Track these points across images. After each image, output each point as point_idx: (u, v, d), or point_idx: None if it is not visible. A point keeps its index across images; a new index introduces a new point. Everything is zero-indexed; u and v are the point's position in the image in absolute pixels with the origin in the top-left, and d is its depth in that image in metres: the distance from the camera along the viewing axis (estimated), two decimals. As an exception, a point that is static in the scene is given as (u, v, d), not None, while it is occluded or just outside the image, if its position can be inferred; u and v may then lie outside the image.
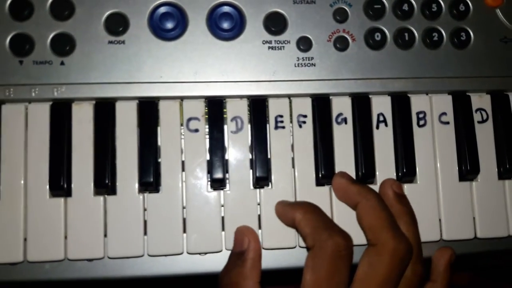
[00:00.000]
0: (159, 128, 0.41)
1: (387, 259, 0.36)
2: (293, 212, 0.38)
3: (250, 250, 0.38)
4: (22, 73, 0.40)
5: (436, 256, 0.42)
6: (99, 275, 0.40)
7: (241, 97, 0.42)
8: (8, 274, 0.40)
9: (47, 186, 0.39)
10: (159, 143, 0.41)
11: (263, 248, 0.40)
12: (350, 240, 0.37)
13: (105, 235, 0.40)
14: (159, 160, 0.41)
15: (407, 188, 0.42)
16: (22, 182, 0.39)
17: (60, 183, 0.39)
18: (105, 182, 0.40)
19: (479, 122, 0.44)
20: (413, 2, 0.44)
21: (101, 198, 0.40)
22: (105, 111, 0.41)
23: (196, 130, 0.41)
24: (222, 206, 0.41)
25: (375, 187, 0.42)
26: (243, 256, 0.38)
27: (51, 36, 0.40)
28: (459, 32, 0.44)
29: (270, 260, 0.41)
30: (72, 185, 0.40)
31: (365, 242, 0.41)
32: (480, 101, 0.45)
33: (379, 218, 0.38)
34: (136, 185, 0.40)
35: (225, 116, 0.42)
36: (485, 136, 0.44)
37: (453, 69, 0.44)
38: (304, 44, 0.43)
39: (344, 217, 0.41)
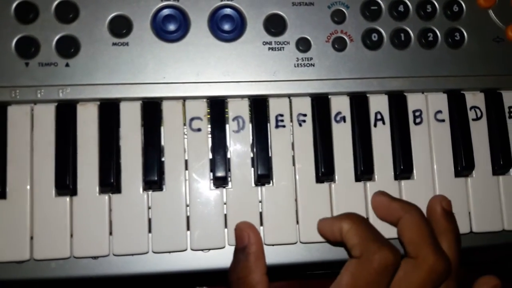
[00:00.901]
0: (162, 128, 0.42)
1: (424, 273, 0.36)
2: (339, 223, 0.38)
3: (251, 244, 0.38)
4: (28, 75, 0.40)
5: (480, 282, 0.41)
6: (104, 272, 0.40)
7: (242, 97, 0.43)
8: (15, 272, 0.40)
9: (53, 185, 0.40)
10: (162, 143, 0.42)
11: (265, 244, 0.41)
12: (399, 255, 0.37)
13: (110, 233, 0.40)
14: (163, 159, 0.41)
15: (404, 184, 0.43)
16: (28, 181, 0.40)
17: (66, 182, 0.40)
18: (110, 181, 0.40)
19: (473, 119, 0.45)
20: (409, 3, 0.45)
21: (106, 196, 0.40)
22: (109, 111, 0.41)
23: (199, 130, 0.42)
24: (225, 203, 0.41)
25: (373, 184, 0.43)
26: (246, 251, 0.38)
27: (56, 38, 0.41)
28: (453, 32, 0.45)
29: (271, 256, 0.41)
30: (78, 184, 0.40)
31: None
32: (474, 99, 0.45)
33: (421, 233, 0.38)
34: (141, 184, 0.41)
35: (226, 115, 0.43)
36: (479, 133, 0.45)
37: (448, 68, 0.45)
38: (303, 44, 0.43)
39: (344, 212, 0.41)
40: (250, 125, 0.43)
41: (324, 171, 0.42)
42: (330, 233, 0.39)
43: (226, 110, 0.43)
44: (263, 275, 0.38)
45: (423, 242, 0.37)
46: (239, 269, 0.38)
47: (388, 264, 0.36)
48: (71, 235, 0.40)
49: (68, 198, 0.40)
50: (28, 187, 0.40)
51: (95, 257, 0.40)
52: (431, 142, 0.44)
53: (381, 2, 0.44)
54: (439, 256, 0.37)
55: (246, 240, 0.39)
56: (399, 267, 0.37)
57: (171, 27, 0.42)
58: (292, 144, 0.43)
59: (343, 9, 0.44)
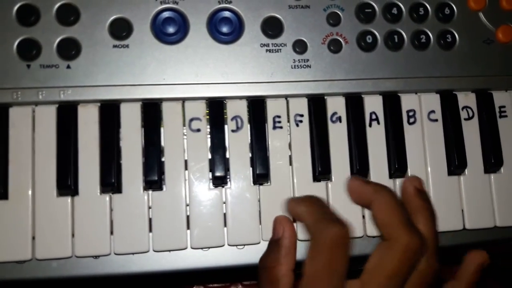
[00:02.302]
0: (162, 129, 0.42)
1: (398, 253, 0.36)
2: (298, 207, 0.39)
3: (284, 238, 0.39)
4: (30, 76, 0.41)
5: (470, 256, 0.41)
6: (105, 271, 0.41)
7: (240, 97, 0.43)
8: (16, 272, 0.40)
9: (55, 186, 0.40)
10: (162, 143, 0.42)
11: (262, 240, 0.41)
12: (347, 228, 0.36)
13: (111, 233, 0.40)
14: (163, 159, 0.42)
15: (399, 182, 0.44)
16: (30, 182, 0.40)
17: (67, 182, 0.40)
18: (111, 181, 0.40)
19: (465, 119, 0.46)
20: (402, 6, 0.45)
21: (107, 196, 0.40)
22: (110, 112, 0.42)
23: (198, 130, 0.42)
24: (224, 203, 0.42)
25: (369, 182, 0.44)
26: (278, 243, 0.39)
27: (57, 40, 0.41)
28: (445, 34, 0.46)
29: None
30: (79, 184, 0.40)
31: (359, 235, 0.42)
32: (466, 99, 0.46)
33: (393, 214, 0.38)
34: (141, 184, 0.41)
35: (225, 116, 0.43)
36: (471, 133, 0.45)
37: (440, 69, 0.45)
38: (300, 46, 0.44)
39: (340, 211, 0.42)
40: (249, 125, 0.43)
41: (321, 170, 0.43)
42: (294, 216, 0.41)
43: (225, 111, 0.43)
44: (290, 270, 0.38)
45: (394, 223, 0.37)
46: (269, 259, 0.39)
47: (336, 238, 0.35)
48: (73, 235, 0.40)
49: (69, 198, 0.40)
50: (30, 187, 0.40)
51: (96, 257, 0.40)
52: (424, 141, 0.45)
53: (375, 5, 0.45)
54: (412, 233, 0.36)
55: (280, 232, 0.39)
56: (375, 253, 0.37)
57: (171, 29, 0.42)
58: (289, 144, 0.43)
59: (338, 12, 0.45)
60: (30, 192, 0.40)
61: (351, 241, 0.37)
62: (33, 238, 0.39)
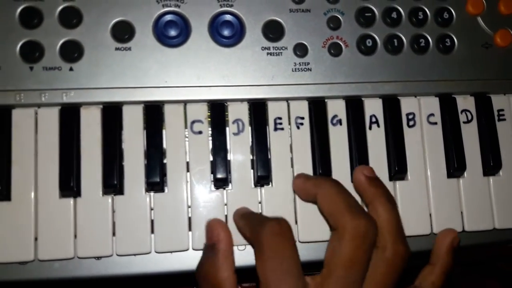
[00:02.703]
0: (164, 131, 0.42)
1: (347, 240, 0.35)
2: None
3: (221, 242, 0.38)
4: (32, 79, 0.41)
5: (438, 238, 0.41)
6: (107, 272, 0.41)
7: (241, 100, 0.43)
8: (18, 273, 0.40)
9: (57, 187, 0.40)
10: (164, 145, 0.42)
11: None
12: (282, 220, 0.36)
13: (114, 234, 0.40)
14: (165, 161, 0.42)
15: (399, 185, 0.44)
16: (33, 183, 0.40)
17: (70, 184, 0.40)
18: (113, 183, 0.40)
19: (464, 122, 0.46)
20: (401, 10, 0.46)
21: (109, 198, 0.40)
22: (112, 114, 0.42)
23: (200, 132, 0.43)
24: (225, 204, 0.42)
25: (369, 185, 0.44)
26: (215, 248, 0.37)
27: (60, 43, 0.41)
28: (444, 38, 0.46)
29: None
30: (81, 186, 0.40)
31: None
32: (465, 102, 0.46)
33: (335, 202, 0.37)
34: (143, 185, 0.41)
35: (226, 118, 0.43)
36: (470, 136, 0.46)
37: (439, 73, 0.46)
38: (301, 50, 0.44)
39: None
40: (250, 127, 0.43)
41: (322, 172, 0.43)
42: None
43: (226, 113, 0.43)
44: (231, 273, 0.37)
45: (338, 210, 0.36)
46: (207, 265, 0.37)
47: (274, 233, 0.35)
48: (75, 236, 0.40)
49: (72, 200, 0.40)
50: (32, 189, 0.40)
51: (98, 258, 0.41)
52: (424, 144, 0.45)
53: (375, 9, 0.46)
54: (357, 217, 0.35)
55: (215, 237, 0.38)
56: (328, 246, 0.36)
57: (173, 32, 0.43)
58: (290, 146, 0.43)
59: (339, 16, 0.45)
60: (32, 194, 0.40)
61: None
62: (36, 239, 0.39)
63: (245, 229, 0.39)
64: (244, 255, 0.42)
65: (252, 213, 0.40)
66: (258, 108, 0.44)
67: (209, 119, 0.43)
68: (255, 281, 0.39)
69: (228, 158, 0.43)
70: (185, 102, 0.43)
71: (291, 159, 0.43)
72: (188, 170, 0.42)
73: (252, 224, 0.37)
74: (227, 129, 0.43)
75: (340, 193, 0.37)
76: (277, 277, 0.34)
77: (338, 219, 0.36)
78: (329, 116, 0.44)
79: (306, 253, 0.42)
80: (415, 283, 0.41)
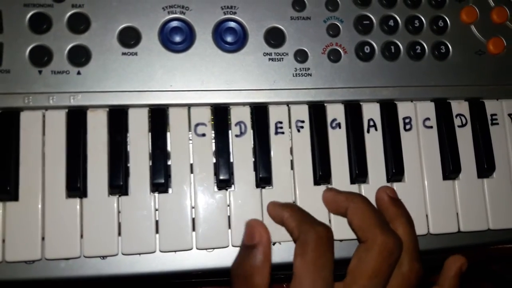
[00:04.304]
0: (168, 133, 0.43)
1: (375, 253, 0.37)
2: (281, 212, 0.41)
3: (262, 244, 0.37)
4: (41, 82, 0.41)
5: (448, 262, 0.42)
6: (113, 272, 0.41)
7: (244, 104, 0.44)
8: (25, 272, 0.40)
9: (64, 188, 0.40)
10: (168, 147, 0.43)
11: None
12: (329, 228, 0.38)
13: (119, 234, 0.41)
14: (169, 162, 0.42)
15: (396, 186, 0.45)
16: (40, 184, 0.40)
17: (76, 184, 0.40)
18: (119, 183, 0.41)
19: (459, 126, 0.47)
20: (398, 18, 0.47)
21: (115, 198, 0.41)
22: (118, 117, 0.42)
23: (203, 135, 0.43)
24: (228, 205, 0.42)
25: (368, 186, 0.44)
26: (256, 249, 0.37)
27: (68, 47, 0.42)
28: (439, 46, 0.47)
29: (273, 255, 0.42)
30: (88, 187, 0.41)
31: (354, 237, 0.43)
32: (460, 107, 0.47)
33: (367, 217, 0.39)
34: (148, 186, 0.41)
35: (229, 122, 0.44)
36: (464, 139, 0.47)
37: (434, 79, 0.47)
38: (301, 56, 0.45)
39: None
40: (252, 130, 0.44)
41: (321, 174, 0.44)
42: (276, 219, 0.42)
43: (229, 116, 0.44)
44: (268, 278, 0.37)
45: (369, 225, 0.38)
46: (246, 267, 0.37)
47: (322, 236, 0.37)
48: (81, 236, 0.40)
49: (78, 200, 0.40)
50: (40, 189, 0.40)
51: (104, 257, 0.41)
52: (420, 147, 0.46)
53: (372, 17, 0.47)
54: (386, 233, 0.37)
55: (257, 238, 0.37)
56: (354, 255, 0.38)
57: (178, 38, 0.43)
58: (291, 148, 0.44)
59: (338, 23, 0.46)
60: (40, 194, 0.40)
61: (333, 239, 0.38)
62: (43, 238, 0.40)
63: (290, 220, 0.39)
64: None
65: (300, 209, 0.41)
66: (260, 112, 0.44)
67: (213, 122, 0.44)
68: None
69: (231, 160, 0.43)
70: (189, 106, 0.44)
71: (292, 161, 0.44)
72: (191, 172, 0.43)
73: (302, 220, 0.39)
74: (230, 132, 0.44)
75: (371, 209, 0.40)
76: (313, 280, 0.35)
77: (368, 233, 0.38)
78: (329, 120, 0.45)
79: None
80: None
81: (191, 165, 0.43)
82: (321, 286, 0.36)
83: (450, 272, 0.42)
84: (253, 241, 0.38)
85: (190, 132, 0.43)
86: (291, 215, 0.40)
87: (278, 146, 0.44)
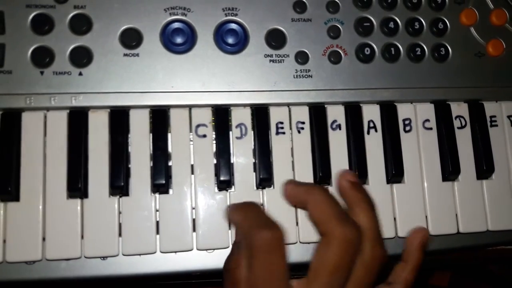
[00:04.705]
0: (169, 134, 0.43)
1: (334, 246, 0.35)
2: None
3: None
4: (43, 83, 0.41)
5: (409, 237, 0.42)
6: (113, 272, 0.41)
7: (245, 105, 0.44)
8: (26, 272, 0.40)
9: (65, 188, 0.40)
10: (169, 148, 0.43)
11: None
12: (280, 231, 0.36)
13: (120, 234, 0.41)
14: (170, 163, 0.42)
15: (396, 187, 0.45)
16: (41, 184, 0.40)
17: (77, 185, 0.40)
18: (120, 184, 0.41)
19: (458, 128, 0.47)
20: (398, 21, 0.47)
21: (116, 199, 0.41)
22: (119, 118, 0.42)
23: (204, 136, 0.43)
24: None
25: (367, 187, 0.44)
26: (239, 246, 0.37)
27: (70, 49, 0.42)
28: (439, 48, 0.47)
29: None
30: (89, 187, 0.41)
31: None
32: (459, 109, 0.48)
33: (324, 210, 0.37)
34: (149, 187, 0.41)
35: (230, 123, 0.44)
36: (464, 141, 0.47)
37: (434, 80, 0.47)
38: (302, 57, 0.45)
39: None
40: (252, 132, 0.44)
41: (322, 175, 0.44)
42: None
43: (230, 118, 0.44)
44: None
45: (327, 218, 0.36)
46: (232, 261, 0.37)
47: (270, 242, 0.35)
48: (82, 236, 0.40)
49: (79, 200, 0.40)
50: (41, 190, 0.40)
51: (104, 258, 0.41)
52: (420, 148, 0.46)
53: (373, 19, 0.47)
54: (344, 225, 0.35)
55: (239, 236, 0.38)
56: (315, 252, 0.36)
57: (179, 39, 0.44)
58: (291, 149, 0.44)
59: (338, 25, 0.46)
60: (41, 194, 0.40)
61: (284, 243, 0.35)
62: (44, 239, 0.40)
63: (242, 224, 0.38)
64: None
65: (254, 210, 0.39)
66: (260, 113, 0.44)
67: (213, 123, 0.44)
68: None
69: (231, 161, 0.43)
70: (190, 107, 0.44)
71: (292, 162, 0.44)
72: (192, 173, 0.43)
73: (250, 224, 0.37)
74: (231, 133, 0.44)
75: (329, 201, 0.38)
76: (263, 283, 0.34)
77: (326, 226, 0.36)
78: (329, 121, 0.45)
79: (306, 253, 0.43)
80: (389, 280, 0.41)
81: (192, 166, 0.43)
82: None
83: (413, 245, 0.41)
84: (238, 239, 0.39)
85: (191, 133, 0.43)
86: (241, 218, 0.38)
87: (278, 147, 0.44)
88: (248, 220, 0.38)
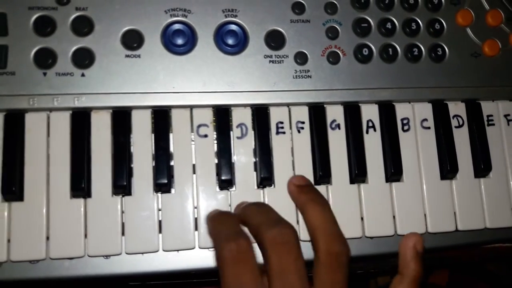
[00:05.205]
0: (171, 134, 0.43)
1: (270, 251, 0.34)
2: (210, 227, 0.39)
3: None
4: (45, 84, 0.42)
5: (401, 244, 0.38)
6: (116, 271, 0.41)
7: (245, 105, 0.45)
8: (29, 271, 0.40)
9: (68, 188, 0.41)
10: (171, 148, 0.43)
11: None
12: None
13: (123, 234, 0.41)
14: (172, 163, 0.43)
15: (394, 186, 0.45)
16: (45, 184, 0.41)
17: (81, 185, 0.41)
18: (122, 183, 0.41)
19: (456, 127, 0.47)
20: (395, 21, 0.47)
21: (119, 198, 0.41)
22: (122, 118, 0.43)
23: (205, 136, 0.44)
24: (230, 205, 0.43)
25: (367, 186, 0.45)
26: None
27: (72, 50, 0.42)
28: (435, 48, 0.48)
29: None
30: (92, 187, 0.41)
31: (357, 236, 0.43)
32: (456, 108, 0.48)
33: (255, 219, 0.37)
34: (151, 186, 0.42)
35: (231, 123, 0.44)
36: (461, 140, 0.47)
37: (431, 80, 0.47)
38: (301, 58, 0.46)
39: (340, 213, 0.42)
40: (253, 131, 0.44)
41: (322, 174, 0.44)
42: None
43: (230, 118, 0.44)
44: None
45: (257, 227, 0.36)
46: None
47: (233, 255, 0.34)
48: (85, 235, 0.40)
49: (82, 200, 0.41)
50: (45, 189, 0.40)
51: (107, 256, 0.41)
52: (418, 147, 0.46)
53: (370, 20, 0.47)
54: (271, 227, 0.35)
55: None
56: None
57: (180, 41, 0.44)
58: (291, 149, 0.45)
59: (337, 26, 0.47)
60: (44, 194, 0.40)
61: (252, 255, 0.34)
62: (47, 238, 0.40)
63: (212, 238, 0.38)
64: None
65: (220, 223, 0.38)
66: (260, 113, 0.45)
67: (214, 124, 0.44)
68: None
69: (232, 161, 0.44)
70: (192, 107, 0.44)
71: (293, 161, 0.44)
72: (194, 172, 0.43)
73: (215, 237, 0.36)
74: (231, 133, 0.44)
75: (258, 209, 0.38)
76: None
77: (259, 234, 0.35)
78: (328, 121, 0.46)
79: (308, 251, 0.43)
80: None
81: (194, 165, 0.43)
82: None
83: (407, 255, 0.37)
84: None
85: (193, 133, 0.44)
86: (211, 234, 0.38)
87: (279, 147, 0.44)
88: (215, 232, 0.37)
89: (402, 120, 0.47)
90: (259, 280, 0.34)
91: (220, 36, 0.45)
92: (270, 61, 0.45)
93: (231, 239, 0.34)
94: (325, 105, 0.46)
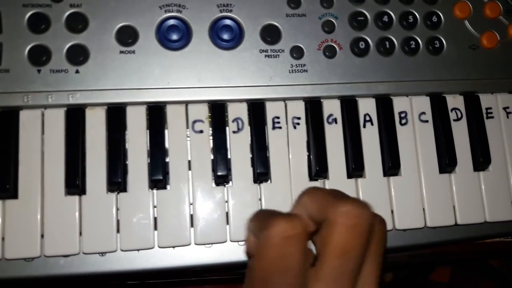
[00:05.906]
0: (166, 130, 0.43)
1: (338, 226, 0.30)
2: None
3: None
4: (40, 81, 0.41)
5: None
6: (111, 268, 0.41)
7: (241, 100, 0.44)
8: (24, 269, 0.40)
9: (63, 185, 0.40)
10: (166, 144, 0.42)
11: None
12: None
13: (118, 230, 0.40)
14: (167, 159, 0.42)
15: (392, 180, 0.44)
16: (39, 182, 0.40)
17: (75, 182, 0.40)
18: (117, 180, 0.41)
19: (454, 120, 0.47)
20: (392, 14, 0.47)
21: (114, 195, 0.41)
22: (116, 115, 0.42)
23: (201, 131, 0.43)
24: (226, 201, 0.42)
25: (364, 180, 0.44)
26: None
27: (66, 47, 0.42)
28: (433, 41, 0.47)
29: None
30: (86, 184, 0.41)
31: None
32: (455, 101, 0.47)
33: (320, 199, 0.32)
34: (146, 183, 0.41)
35: (226, 118, 0.44)
36: (460, 133, 0.46)
37: (429, 73, 0.46)
38: (297, 52, 0.45)
39: None
40: (249, 127, 0.44)
41: (318, 169, 0.43)
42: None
43: (226, 113, 0.44)
44: None
45: (326, 203, 0.31)
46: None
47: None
48: (80, 233, 0.40)
49: (77, 197, 0.40)
50: (39, 187, 0.40)
51: (102, 254, 0.41)
52: (416, 141, 0.46)
53: (367, 13, 0.47)
54: (345, 203, 0.30)
55: None
56: (317, 238, 0.32)
57: (175, 36, 0.43)
58: (288, 144, 0.44)
59: (333, 20, 0.46)
60: (39, 192, 0.40)
61: (306, 237, 0.31)
62: (42, 236, 0.39)
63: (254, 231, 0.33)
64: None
65: (260, 215, 0.34)
66: (256, 108, 0.44)
67: (210, 119, 0.43)
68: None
69: (228, 156, 0.43)
70: (187, 103, 0.43)
71: (289, 156, 0.44)
72: (190, 168, 0.42)
73: (265, 217, 0.32)
74: (227, 128, 0.43)
75: (322, 190, 0.34)
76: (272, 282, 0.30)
77: (327, 210, 0.31)
78: (325, 115, 0.45)
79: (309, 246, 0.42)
80: None
81: (189, 161, 0.42)
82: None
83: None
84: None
85: (188, 129, 0.43)
86: (250, 227, 0.34)
87: (275, 142, 0.44)
88: (264, 213, 0.33)
89: (399, 113, 0.46)
90: (305, 268, 0.30)
91: (215, 31, 0.44)
92: (266, 56, 0.45)
93: (283, 218, 0.30)
94: (321, 100, 0.45)
